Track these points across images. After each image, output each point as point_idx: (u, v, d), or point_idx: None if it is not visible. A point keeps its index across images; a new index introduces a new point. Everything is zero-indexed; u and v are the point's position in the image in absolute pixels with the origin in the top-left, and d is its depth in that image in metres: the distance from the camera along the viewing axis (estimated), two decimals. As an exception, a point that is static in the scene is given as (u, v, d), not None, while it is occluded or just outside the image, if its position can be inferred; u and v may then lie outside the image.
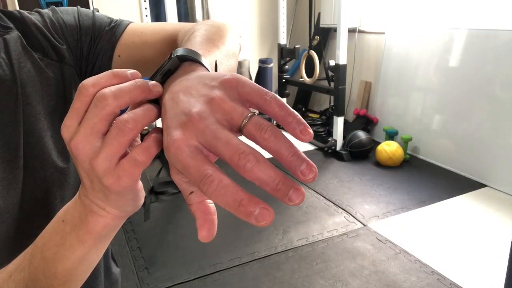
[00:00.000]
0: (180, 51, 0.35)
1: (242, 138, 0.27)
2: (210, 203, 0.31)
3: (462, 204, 2.32)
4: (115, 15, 0.65)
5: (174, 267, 1.81)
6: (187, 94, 0.29)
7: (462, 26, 2.63)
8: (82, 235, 0.34)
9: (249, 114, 0.27)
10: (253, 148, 0.25)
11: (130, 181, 0.29)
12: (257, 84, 0.28)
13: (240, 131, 0.27)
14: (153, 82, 0.32)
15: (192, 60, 0.35)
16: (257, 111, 0.28)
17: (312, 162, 0.25)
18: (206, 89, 0.29)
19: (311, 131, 0.26)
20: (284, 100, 3.62)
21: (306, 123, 0.26)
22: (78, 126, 0.29)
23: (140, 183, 0.33)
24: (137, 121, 0.28)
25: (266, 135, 0.25)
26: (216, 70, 0.39)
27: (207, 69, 0.34)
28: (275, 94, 0.27)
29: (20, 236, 0.49)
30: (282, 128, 0.28)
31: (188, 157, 0.26)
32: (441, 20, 2.79)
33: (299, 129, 0.25)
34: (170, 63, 0.34)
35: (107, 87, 0.29)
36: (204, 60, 0.35)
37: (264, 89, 0.28)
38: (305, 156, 0.25)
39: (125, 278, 1.75)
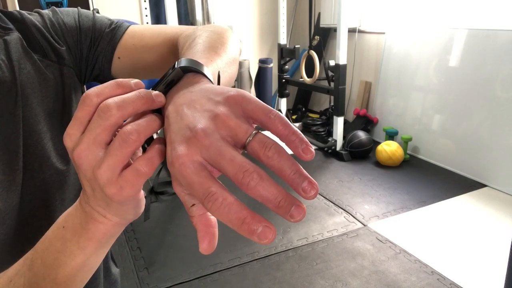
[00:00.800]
0: (183, 62, 0.35)
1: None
2: (211, 216, 0.31)
3: (462, 204, 2.32)
4: (115, 15, 0.65)
5: (174, 267, 1.81)
6: (191, 108, 0.29)
7: (462, 26, 2.63)
8: (82, 241, 0.34)
9: (254, 132, 0.27)
10: (256, 166, 0.26)
11: (133, 191, 0.29)
12: (261, 101, 0.29)
13: (244, 147, 0.27)
14: (156, 92, 0.32)
15: (195, 71, 0.35)
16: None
17: (313, 180, 0.26)
18: (210, 104, 0.29)
19: (312, 150, 0.27)
20: (284, 101, 3.64)
21: (308, 142, 0.27)
22: (81, 136, 0.30)
23: (141, 192, 0.33)
24: (140, 132, 0.29)
25: (270, 153, 0.26)
26: (219, 80, 0.39)
27: (210, 80, 0.35)
28: (279, 112, 0.28)
29: (19, 238, 0.49)
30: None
31: (193, 173, 0.26)
32: (441, 20, 2.79)
33: (301, 147, 0.26)
34: (173, 73, 0.34)
35: (111, 98, 0.30)
36: (206, 71, 0.35)
37: (269, 106, 0.28)
38: (306, 173, 0.26)
39: (125, 278, 1.75)
